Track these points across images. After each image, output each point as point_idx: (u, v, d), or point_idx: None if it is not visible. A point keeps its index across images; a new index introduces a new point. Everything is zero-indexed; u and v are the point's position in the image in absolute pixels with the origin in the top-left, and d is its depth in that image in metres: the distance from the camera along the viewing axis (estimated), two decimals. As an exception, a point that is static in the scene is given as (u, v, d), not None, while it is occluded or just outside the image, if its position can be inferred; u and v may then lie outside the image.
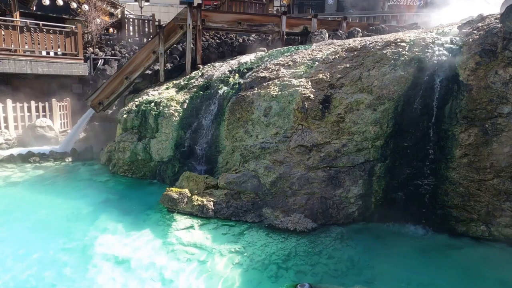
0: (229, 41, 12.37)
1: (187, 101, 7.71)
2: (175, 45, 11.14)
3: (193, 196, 5.76)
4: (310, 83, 6.47)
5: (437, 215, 5.29)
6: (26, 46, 11.43)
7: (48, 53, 12.14)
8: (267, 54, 8.61)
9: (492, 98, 5.00)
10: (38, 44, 11.68)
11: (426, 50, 5.85)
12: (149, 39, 12.60)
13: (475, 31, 5.69)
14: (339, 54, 6.88)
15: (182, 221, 5.35)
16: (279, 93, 6.54)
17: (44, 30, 11.70)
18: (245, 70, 7.96)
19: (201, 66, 9.38)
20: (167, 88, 8.65)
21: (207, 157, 7.05)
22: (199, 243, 4.72)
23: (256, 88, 6.93)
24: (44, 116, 10.90)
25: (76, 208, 5.81)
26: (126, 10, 18.70)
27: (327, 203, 5.51)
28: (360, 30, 9.62)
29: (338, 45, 7.45)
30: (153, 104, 7.83)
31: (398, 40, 6.34)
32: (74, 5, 15.23)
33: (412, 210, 5.39)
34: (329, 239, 4.94)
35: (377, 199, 5.58)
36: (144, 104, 7.91)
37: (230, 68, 8.24)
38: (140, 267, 4.15)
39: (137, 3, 19.94)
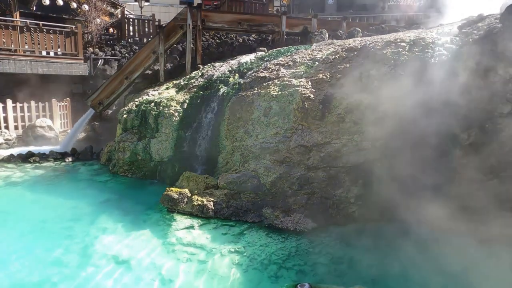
0: (229, 41, 12.36)
1: (187, 101, 7.71)
2: (175, 45, 11.13)
3: (193, 196, 5.76)
4: (310, 83, 6.47)
5: (437, 215, 5.28)
6: (26, 46, 11.42)
7: (48, 53, 12.14)
8: (267, 54, 8.61)
9: (492, 98, 5.00)
10: (38, 44, 11.68)
11: (426, 50, 5.86)
12: (149, 39, 12.61)
13: (475, 31, 5.69)
14: (339, 54, 6.88)
15: (182, 221, 5.35)
16: (279, 93, 6.54)
17: (44, 30, 11.70)
18: (245, 70, 7.96)
19: (201, 66, 9.38)
20: (167, 88, 8.66)
21: (207, 157, 7.05)
22: (199, 243, 4.72)
23: (256, 88, 6.93)
24: (44, 116, 10.90)
25: (76, 208, 5.81)
26: (126, 10, 18.69)
27: (327, 203, 5.51)
28: (360, 30, 9.63)
29: (338, 45, 7.46)
30: (153, 104, 7.83)
31: (398, 40, 6.34)
32: (74, 5, 15.23)
33: (412, 210, 5.38)
34: (329, 239, 4.94)
35: (377, 199, 5.57)
36: (144, 104, 7.91)
37: (230, 68, 8.24)
38: (140, 267, 4.15)
39: (137, 3, 19.94)
